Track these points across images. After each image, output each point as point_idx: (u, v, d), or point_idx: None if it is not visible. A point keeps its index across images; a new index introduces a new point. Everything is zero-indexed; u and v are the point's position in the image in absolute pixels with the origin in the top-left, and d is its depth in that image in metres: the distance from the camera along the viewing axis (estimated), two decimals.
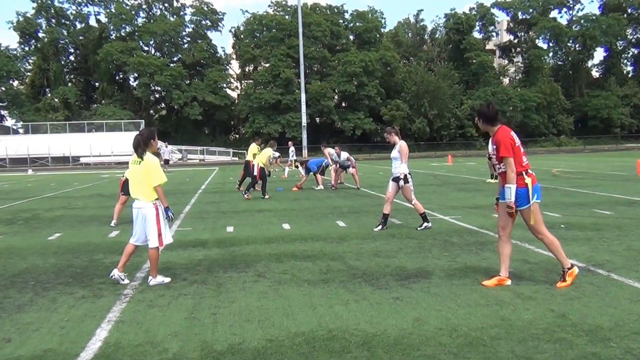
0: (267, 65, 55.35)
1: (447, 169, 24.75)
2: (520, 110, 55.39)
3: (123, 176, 9.10)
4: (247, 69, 60.33)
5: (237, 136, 62.26)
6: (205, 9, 59.15)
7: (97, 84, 59.38)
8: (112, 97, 56.27)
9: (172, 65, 54.98)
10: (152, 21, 57.72)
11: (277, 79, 52.84)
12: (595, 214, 8.89)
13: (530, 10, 61.76)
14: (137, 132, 5.42)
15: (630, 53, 66.23)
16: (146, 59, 52.18)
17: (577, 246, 6.31)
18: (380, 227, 7.94)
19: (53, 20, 57.20)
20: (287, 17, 57.71)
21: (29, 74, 59.08)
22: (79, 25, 59.05)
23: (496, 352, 3.32)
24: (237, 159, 48.77)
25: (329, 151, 15.65)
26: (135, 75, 54.82)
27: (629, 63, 67.39)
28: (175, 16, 59.47)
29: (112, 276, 5.26)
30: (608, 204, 10.04)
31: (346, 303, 4.39)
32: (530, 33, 63.32)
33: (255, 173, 13.44)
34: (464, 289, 4.69)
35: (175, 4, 59.95)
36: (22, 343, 3.74)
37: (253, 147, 14.83)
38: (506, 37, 68.03)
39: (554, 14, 62.93)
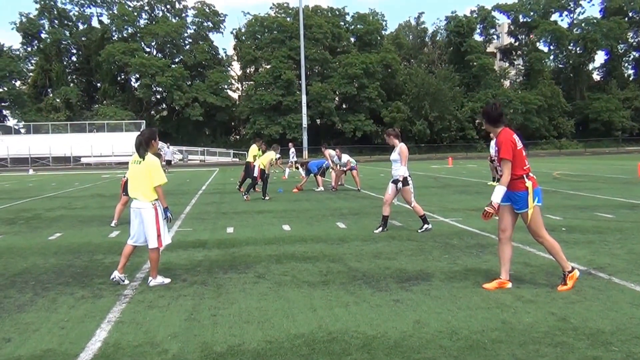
0: (268, 66, 55.42)
1: (447, 171, 24.74)
2: (521, 112, 55.41)
3: (124, 177, 9.11)
4: (248, 71, 60.43)
5: (238, 137, 62.31)
6: (207, 10, 59.29)
7: (98, 84, 59.49)
8: (113, 97, 56.36)
9: (173, 66, 55.06)
10: (154, 22, 57.83)
11: (278, 81, 52.89)
12: (597, 217, 8.88)
13: (531, 13, 61.83)
14: (139, 133, 5.42)
15: (631, 56, 66.27)
16: (148, 60, 52.27)
17: (578, 249, 6.30)
18: (380, 229, 7.94)
19: (56, 21, 57.33)
20: (288, 19, 57.81)
21: (31, 74, 59.22)
22: (81, 26, 59.21)
23: (497, 355, 3.31)
24: (237, 160, 48.79)
25: (330, 153, 15.64)
26: (137, 76, 54.91)
27: (630, 66, 67.46)
28: (177, 18, 59.62)
29: (113, 278, 5.26)
30: (609, 207, 10.03)
31: (346, 305, 4.38)
32: (531, 36, 63.36)
33: (256, 174, 13.45)
34: (464, 292, 4.68)
35: (177, 5, 60.10)
36: (22, 343, 3.74)
37: (253, 149, 14.83)
38: (507, 40, 68.09)
39: (555, 17, 63.06)
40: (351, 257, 6.23)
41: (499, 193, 4.54)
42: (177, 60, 57.92)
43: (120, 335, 3.82)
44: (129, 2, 58.14)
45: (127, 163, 5.53)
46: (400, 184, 7.69)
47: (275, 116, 53.08)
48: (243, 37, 59.51)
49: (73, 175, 29.63)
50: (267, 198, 13.17)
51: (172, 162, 31.63)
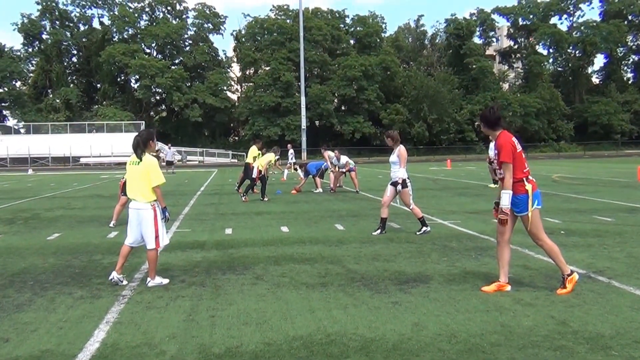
0: (267, 68, 55.46)
1: (446, 173, 24.74)
2: (519, 115, 55.47)
3: (123, 177, 9.10)
4: (247, 72, 60.48)
5: (237, 138, 62.34)
6: (208, 12, 59.34)
7: (98, 85, 59.48)
8: (113, 98, 56.36)
9: (173, 67, 55.07)
10: (154, 24, 57.86)
11: (277, 82, 52.92)
12: (596, 220, 8.88)
13: (531, 16, 61.94)
14: (137, 133, 5.41)
15: (631, 60, 66.39)
16: (148, 61, 52.29)
17: (577, 253, 6.30)
18: (379, 231, 7.93)
19: (57, 22, 57.36)
20: (288, 21, 57.88)
21: (31, 75, 59.23)
22: (82, 27, 59.21)
23: (496, 358, 3.30)
24: (236, 161, 48.78)
25: (329, 154, 15.64)
26: (137, 77, 54.91)
27: (629, 70, 67.55)
28: (177, 19, 59.68)
29: (111, 279, 5.24)
30: (608, 210, 10.03)
31: (345, 307, 4.38)
32: (530, 39, 63.49)
33: (254, 175, 13.45)
34: (463, 295, 4.67)
35: (177, 7, 60.13)
36: (20, 343, 3.72)
37: (253, 150, 14.82)
38: (506, 43, 68.20)
39: (554, 20, 63.18)
40: (350, 259, 6.22)
41: (506, 198, 4.54)
42: (177, 61, 57.93)
43: (118, 336, 3.81)
44: (129, 4, 58.17)
45: (126, 164, 5.52)
46: (399, 186, 7.69)
47: (274, 118, 53.10)
48: (243, 39, 59.56)
49: (72, 176, 29.60)
50: (265, 199, 13.17)
51: (174, 163, 31.60)
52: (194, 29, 59.57)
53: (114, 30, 57.36)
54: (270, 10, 60.88)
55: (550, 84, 60.13)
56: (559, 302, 4.41)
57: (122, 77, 58.61)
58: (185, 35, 59.03)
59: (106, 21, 58.70)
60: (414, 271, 5.58)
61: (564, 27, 62.80)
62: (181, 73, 53.52)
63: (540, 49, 63.29)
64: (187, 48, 58.93)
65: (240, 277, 5.49)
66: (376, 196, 13.50)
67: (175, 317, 4.22)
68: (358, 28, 59.56)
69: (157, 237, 5.19)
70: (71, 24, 58.53)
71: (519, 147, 4.64)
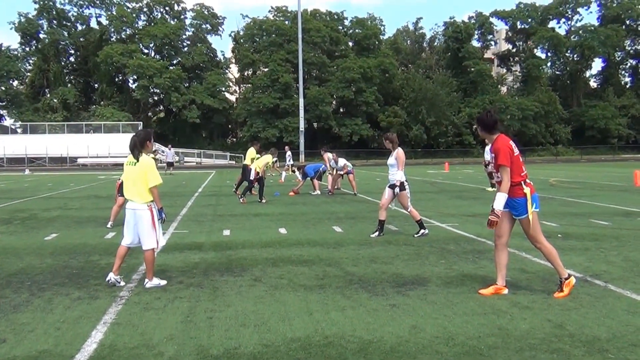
0: (266, 69, 55.47)
1: (444, 176, 24.79)
2: (517, 119, 55.62)
3: (119, 178, 9.09)
4: (246, 73, 60.46)
5: (235, 140, 62.29)
6: (206, 13, 59.33)
7: (96, 85, 59.39)
8: (110, 98, 56.25)
9: (171, 68, 55.02)
10: (152, 24, 57.81)
11: (275, 84, 52.93)
12: (593, 224, 8.91)
13: (529, 20, 62.14)
14: (134, 134, 5.41)
15: (628, 64, 66.65)
16: (146, 62, 52.23)
17: (574, 256, 6.32)
18: (376, 233, 7.94)
19: (54, 22, 57.26)
20: (286, 22, 57.92)
21: (28, 74, 59.08)
22: (80, 27, 59.16)
23: None
24: (234, 162, 48.74)
25: (328, 156, 15.67)
26: (135, 77, 54.85)
27: (626, 74, 67.80)
28: (175, 20, 59.62)
29: (108, 280, 5.23)
30: (605, 214, 10.07)
31: (343, 309, 4.38)
32: (528, 42, 63.67)
33: (252, 177, 13.45)
34: (460, 297, 4.68)
35: (176, 7, 60.08)
36: (17, 343, 3.72)
37: (251, 152, 14.83)
38: (505, 46, 68.37)
39: (552, 24, 63.39)
40: (347, 261, 6.23)
41: (500, 200, 4.55)
42: (175, 62, 57.89)
43: (116, 337, 3.81)
44: (127, 4, 58.12)
45: (123, 164, 5.52)
46: (397, 189, 7.70)
47: (272, 119, 53.10)
48: (241, 40, 59.57)
49: (69, 176, 29.54)
50: (263, 201, 13.17)
51: (174, 164, 31.60)
52: (192, 29, 59.55)
53: (112, 30, 57.30)
54: (269, 11, 60.89)
55: (548, 87, 60.32)
56: (555, 305, 4.42)
57: (120, 78, 58.53)
58: (184, 36, 59.00)
59: (104, 21, 58.70)
60: (411, 274, 5.59)
61: (562, 31, 63.12)
62: (179, 74, 53.49)
63: (538, 52, 63.52)
64: (185, 49, 58.90)
65: (238, 278, 5.49)
66: (374, 199, 13.52)
67: (173, 318, 4.22)
68: (357, 30, 59.62)
69: (154, 237, 5.19)
70: (68, 24, 58.45)
71: (516, 151, 4.66)
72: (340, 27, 60.05)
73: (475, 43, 62.88)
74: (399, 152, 7.77)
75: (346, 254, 6.65)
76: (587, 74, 65.96)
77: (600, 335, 3.70)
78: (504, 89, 66.28)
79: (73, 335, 3.85)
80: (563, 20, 63.58)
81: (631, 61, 65.98)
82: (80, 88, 59.33)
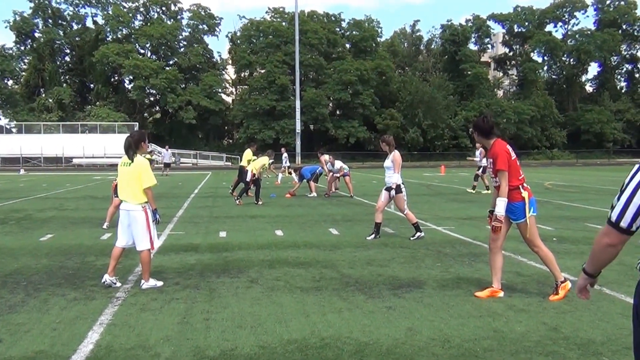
0: (262, 71, 55.42)
1: (440, 179, 24.85)
2: (513, 122, 55.80)
3: (116, 179, 9.07)
4: (242, 75, 60.37)
5: (231, 141, 62.16)
6: (203, 13, 59.22)
7: (92, 85, 59.16)
8: (106, 99, 56.05)
9: (167, 68, 54.89)
10: (149, 24, 57.63)
11: (272, 85, 52.90)
12: (588, 227, 8.96)
13: (526, 23, 62.37)
14: (128, 134, 5.42)
15: (624, 69, 66.93)
16: (142, 62, 52.09)
17: (569, 259, 6.36)
18: (373, 235, 7.96)
19: (50, 21, 56.99)
20: (284, 23, 57.90)
21: (24, 73, 58.73)
22: (75, 27, 58.86)
23: None
24: (230, 164, 48.67)
25: (326, 158, 15.71)
26: (131, 77, 54.65)
27: (622, 79, 68.08)
28: (172, 20, 59.47)
29: (104, 282, 5.22)
30: (600, 218, 10.12)
31: (339, 311, 4.40)
32: (525, 46, 63.90)
33: (248, 179, 13.45)
34: (456, 300, 4.71)
35: (172, 7, 59.94)
36: (13, 344, 3.71)
37: (248, 153, 14.82)
38: (501, 50, 68.60)
39: (549, 27, 63.60)
40: (344, 264, 6.24)
41: (502, 206, 4.58)
42: (171, 62, 57.74)
43: (112, 338, 3.81)
44: (124, 3, 57.92)
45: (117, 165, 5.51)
46: (393, 192, 7.72)
47: (268, 121, 53.05)
48: (238, 41, 59.49)
49: (64, 176, 29.42)
50: (259, 203, 13.17)
51: (172, 165, 31.52)
52: (189, 30, 59.40)
53: (108, 30, 57.06)
54: (266, 12, 60.99)
55: (545, 91, 60.52)
56: (551, 308, 4.45)
57: (116, 78, 58.33)
58: (180, 36, 58.84)
59: (100, 20, 58.44)
60: (408, 276, 5.61)
61: (559, 35, 63.33)
62: (175, 74, 53.37)
63: (535, 56, 63.69)
64: (182, 49, 58.76)
65: (234, 280, 5.49)
66: (370, 201, 13.54)
67: (169, 319, 4.22)
68: (354, 32, 59.67)
69: (150, 238, 5.19)
70: (64, 23, 58.18)
71: (513, 155, 4.70)
72: (338, 29, 60.07)
73: (472, 46, 63.06)
74: (396, 154, 7.80)
75: (342, 256, 6.66)
76: (583, 78, 66.27)
77: (595, 338, 3.73)
78: (500, 93, 66.50)
79: (69, 336, 3.85)
80: (560, 24, 63.86)
81: (627, 66, 66.30)
82: (76, 88, 59.07)
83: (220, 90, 58.31)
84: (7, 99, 54.98)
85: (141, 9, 59.21)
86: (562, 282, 4.71)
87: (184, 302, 4.71)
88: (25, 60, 58.79)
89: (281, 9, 60.00)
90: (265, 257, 6.62)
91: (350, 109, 55.00)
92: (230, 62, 61.47)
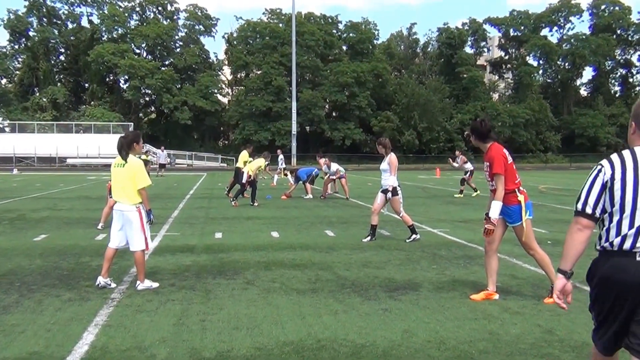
0: (259, 72, 55.37)
1: (435, 181, 24.91)
2: (508, 126, 56.07)
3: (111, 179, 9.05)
4: (238, 75, 60.30)
5: (227, 142, 62.06)
6: (199, 14, 59.12)
7: (86, 85, 58.86)
8: (101, 98, 55.82)
9: (163, 68, 54.72)
10: (145, 24, 57.48)
11: (268, 87, 52.88)
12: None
13: (522, 27, 62.71)
14: (122, 135, 5.42)
15: (618, 73, 67.43)
16: (138, 62, 51.92)
17: None
18: (369, 238, 7.97)
19: (44, 20, 56.73)
20: (280, 25, 57.90)
21: (17, 72, 58.42)
22: (70, 26, 58.60)
23: None
24: (225, 165, 48.59)
25: (323, 161, 15.77)
26: (126, 77, 54.47)
27: (616, 83, 68.58)
28: (168, 20, 59.34)
29: (98, 284, 5.20)
30: None
31: (335, 313, 4.40)
32: (521, 50, 64.22)
33: (244, 181, 13.45)
34: (452, 302, 4.72)
35: (169, 8, 59.82)
36: (7, 345, 3.69)
37: (244, 155, 14.81)
38: (497, 53, 68.92)
39: (544, 32, 63.95)
40: (340, 265, 6.24)
41: (496, 209, 4.61)
42: (167, 62, 57.57)
43: (107, 339, 3.79)
44: (119, 3, 57.74)
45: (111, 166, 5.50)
46: (389, 194, 7.73)
47: (264, 122, 53.02)
48: (235, 42, 59.43)
49: (58, 176, 29.28)
50: (255, 204, 13.16)
51: (167, 166, 31.43)
52: (185, 30, 59.29)
53: (103, 29, 56.83)
54: (263, 13, 61.06)
55: (540, 95, 60.84)
56: (545, 310, 4.48)
57: (111, 77, 58.07)
58: (176, 37, 58.71)
59: (95, 20, 58.17)
60: (403, 278, 5.62)
61: (554, 39, 63.68)
62: (171, 75, 53.24)
63: (530, 60, 64.04)
64: (178, 49, 58.63)
65: (230, 281, 5.48)
66: (366, 203, 13.56)
67: (165, 320, 4.21)
68: (351, 34, 59.75)
69: (145, 239, 5.19)
70: (59, 22, 57.89)
71: (509, 159, 4.72)
72: (335, 31, 60.13)
73: (468, 49, 63.31)
74: (392, 157, 7.82)
75: (338, 258, 6.67)
76: (578, 82, 66.72)
77: (589, 341, 3.70)
78: (495, 96, 66.76)
79: (64, 337, 3.83)
80: (555, 28, 64.21)
81: (621, 70, 66.80)
82: (70, 87, 58.80)
83: (216, 91, 58.21)
84: (0, 98, 54.66)
85: (137, 9, 59.01)
86: None
87: (179, 303, 4.70)
88: (19, 59, 58.46)
89: (278, 11, 60.03)
90: (261, 259, 6.62)
91: (346, 110, 55.06)
92: (226, 62, 61.36)
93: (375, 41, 61.62)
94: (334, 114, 58.58)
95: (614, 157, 2.41)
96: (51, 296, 4.91)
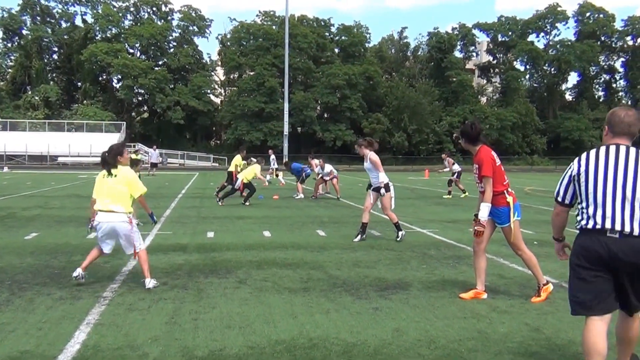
0: (252, 73, 55.34)
1: (423, 182, 25.08)
2: (496, 129, 56.67)
3: None
4: (231, 76, 60.22)
5: (219, 142, 61.90)
6: (193, 14, 58.99)
7: (79, 83, 58.42)
8: (94, 97, 55.43)
9: (156, 68, 54.49)
10: (139, 24, 57.20)
11: (261, 88, 52.87)
12: (567, 232, 9.02)
13: (510, 33, 63.52)
14: (104, 150, 5.41)
15: (602, 79, 68.68)
16: (131, 62, 51.65)
17: (549, 263, 6.47)
18: (359, 237, 8.01)
19: (38, 18, 56.30)
20: (274, 27, 57.94)
21: (10, 70, 57.86)
22: (64, 24, 58.16)
23: None
24: (217, 165, 48.46)
25: (316, 162, 15.86)
26: (119, 77, 54.17)
27: (600, 88, 69.82)
28: (162, 20, 59.11)
29: (77, 275, 5.20)
30: None
31: (327, 312, 4.44)
32: (508, 55, 65.06)
33: (237, 187, 13.42)
34: (441, 301, 4.79)
35: (163, 8, 59.60)
36: None
37: (237, 158, 14.81)
38: (485, 58, 69.55)
39: (532, 37, 64.81)
40: (331, 265, 6.29)
41: (485, 210, 4.68)
42: (160, 62, 57.32)
43: (99, 338, 3.80)
44: (114, 3, 57.46)
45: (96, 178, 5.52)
46: (382, 190, 7.74)
47: (257, 123, 52.99)
48: (228, 43, 59.36)
49: (49, 175, 29.02)
50: (247, 204, 13.18)
51: (159, 165, 31.26)
52: (179, 31, 59.12)
53: (97, 28, 56.46)
54: (257, 15, 60.91)
55: (526, 99, 61.71)
56: (533, 309, 4.56)
57: (104, 77, 57.73)
58: (170, 37, 58.50)
59: (89, 19, 57.81)
60: (394, 278, 5.68)
61: (540, 44, 64.54)
62: (164, 74, 53.04)
63: (517, 65, 64.88)
64: (172, 50, 58.40)
65: (222, 280, 5.51)
66: (357, 204, 13.62)
67: (157, 319, 4.23)
68: (343, 37, 59.97)
69: (139, 239, 5.25)
70: (52, 21, 57.49)
71: (498, 161, 4.80)
72: (327, 34, 60.30)
73: (457, 54, 63.84)
74: (371, 155, 7.81)
75: (330, 258, 6.71)
76: (563, 87, 67.88)
77: (576, 339, 3.83)
78: (483, 100, 67.39)
79: (55, 336, 3.83)
80: (542, 34, 65.14)
81: (605, 76, 68.01)
82: (63, 86, 58.34)
83: (209, 91, 58.10)
84: None
85: (131, 9, 58.74)
86: (544, 285, 4.82)
87: (172, 302, 4.72)
88: (12, 57, 57.90)
89: (272, 13, 60.07)
90: (253, 258, 6.65)
91: (337, 112, 55.20)
92: (219, 63, 61.26)
93: (366, 44, 61.90)
94: (325, 115, 58.70)
95: (584, 155, 2.94)
96: (42, 295, 4.90)
